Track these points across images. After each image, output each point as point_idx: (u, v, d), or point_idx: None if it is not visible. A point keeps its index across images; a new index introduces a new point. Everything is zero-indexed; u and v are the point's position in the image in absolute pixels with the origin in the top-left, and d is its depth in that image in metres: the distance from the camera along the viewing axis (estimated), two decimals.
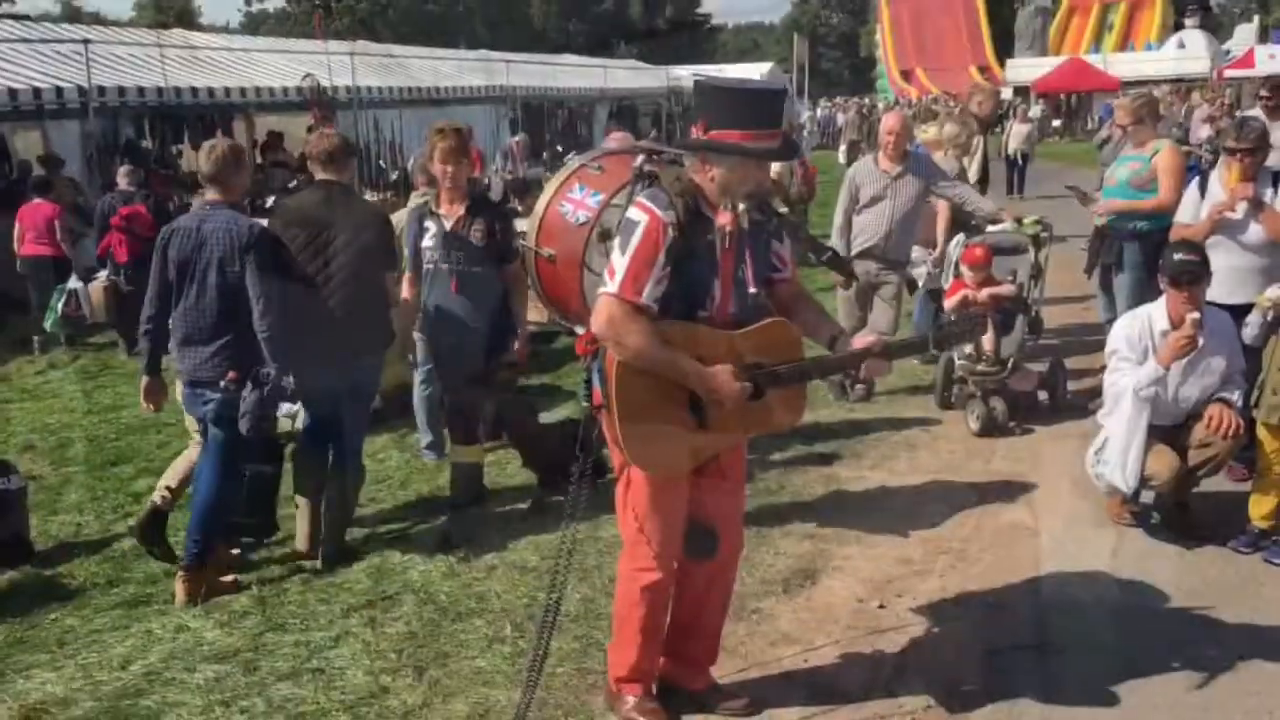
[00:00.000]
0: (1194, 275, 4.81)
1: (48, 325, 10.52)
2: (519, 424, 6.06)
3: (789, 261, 3.58)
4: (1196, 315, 4.77)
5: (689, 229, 3.25)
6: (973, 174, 8.97)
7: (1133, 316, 5.13)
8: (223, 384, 4.64)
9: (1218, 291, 5.15)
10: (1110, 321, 6.82)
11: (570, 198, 3.60)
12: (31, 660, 4.33)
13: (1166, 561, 4.86)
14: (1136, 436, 4.84)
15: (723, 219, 3.29)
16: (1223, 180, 5.71)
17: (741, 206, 3.29)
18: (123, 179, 10.67)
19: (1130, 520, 5.21)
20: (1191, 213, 5.87)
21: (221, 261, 4.63)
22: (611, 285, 3.22)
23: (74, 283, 10.39)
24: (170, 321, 4.85)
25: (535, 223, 3.68)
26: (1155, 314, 5.00)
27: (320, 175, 5.14)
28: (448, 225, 5.38)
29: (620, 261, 3.23)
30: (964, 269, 7.09)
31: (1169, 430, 5.01)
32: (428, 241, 5.43)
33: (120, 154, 14.28)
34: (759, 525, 5.25)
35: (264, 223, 5.03)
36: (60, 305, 10.33)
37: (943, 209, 7.96)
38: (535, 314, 5.91)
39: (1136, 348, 4.96)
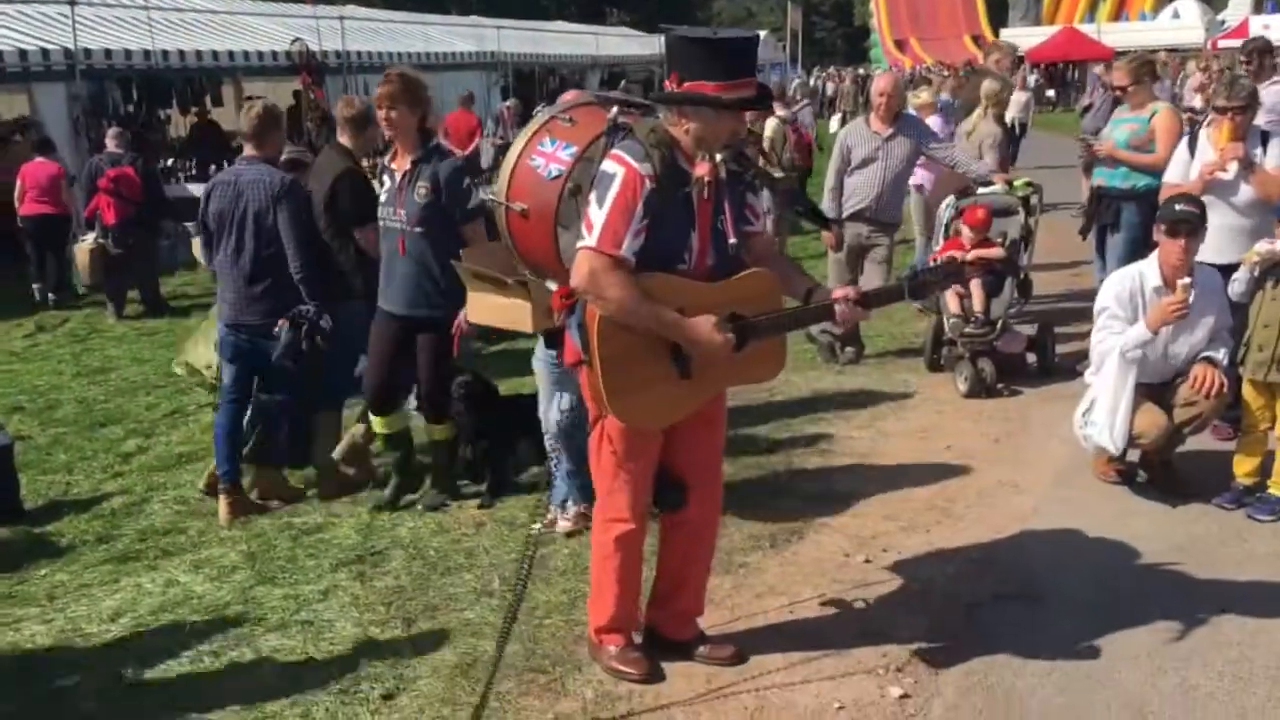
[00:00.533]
0: (1192, 227, 4.80)
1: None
2: (475, 401, 5.22)
3: (761, 214, 3.58)
4: (1188, 281, 4.76)
5: (665, 181, 3.23)
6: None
7: (1123, 274, 5.11)
8: (275, 331, 5.05)
9: (1207, 252, 5.12)
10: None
11: (541, 151, 3.50)
12: (21, 614, 4.34)
13: (1151, 518, 4.89)
14: (1124, 397, 4.84)
15: (701, 169, 3.27)
16: (1212, 139, 5.71)
17: (719, 157, 3.28)
18: (111, 141, 10.62)
19: (1116, 478, 5.25)
20: (1181, 172, 5.84)
21: (258, 213, 5.08)
22: (590, 239, 3.20)
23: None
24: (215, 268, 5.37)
25: (506, 177, 3.58)
26: (1147, 271, 4.99)
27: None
28: (397, 179, 4.96)
29: (598, 215, 3.20)
30: (964, 229, 7.09)
31: (1155, 388, 5.03)
32: (381, 197, 5.02)
33: (108, 117, 14.20)
34: (748, 483, 5.28)
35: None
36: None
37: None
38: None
39: (1126, 306, 4.95)
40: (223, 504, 5.23)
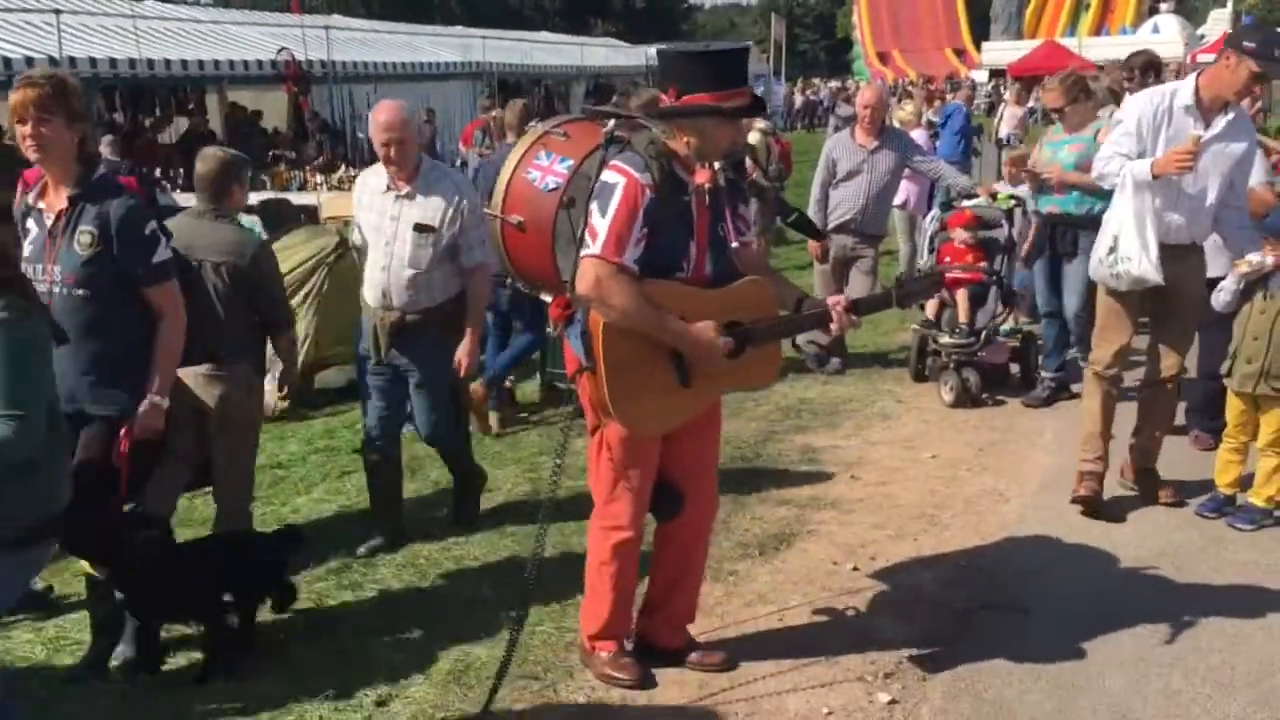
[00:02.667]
0: (1276, 74, 4.60)
1: None
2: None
3: (752, 225, 3.65)
4: (1200, 134, 4.55)
5: (665, 190, 3.30)
6: None
7: (1152, 92, 4.85)
8: None
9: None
10: (1050, 314, 6.70)
11: (538, 164, 3.57)
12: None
13: (1134, 526, 4.95)
14: (1148, 222, 4.66)
15: (701, 176, 3.35)
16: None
17: (718, 165, 3.36)
18: (105, 149, 10.95)
19: (1089, 492, 5.04)
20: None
21: None
22: (594, 247, 3.25)
23: None
24: None
25: (501, 191, 3.64)
26: (1182, 88, 4.72)
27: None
28: (48, 224, 3.60)
29: (601, 223, 3.26)
30: (954, 232, 7.15)
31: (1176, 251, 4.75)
32: (25, 250, 3.57)
33: (95, 125, 14.18)
34: (737, 492, 5.31)
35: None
36: None
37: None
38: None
39: (1149, 125, 4.68)
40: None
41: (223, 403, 4.19)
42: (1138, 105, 4.80)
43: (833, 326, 3.54)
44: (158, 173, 15.00)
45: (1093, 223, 5.90)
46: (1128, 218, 4.69)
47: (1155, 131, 4.70)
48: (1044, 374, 6.90)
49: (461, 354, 4.74)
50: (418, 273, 4.63)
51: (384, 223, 4.68)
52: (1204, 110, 4.67)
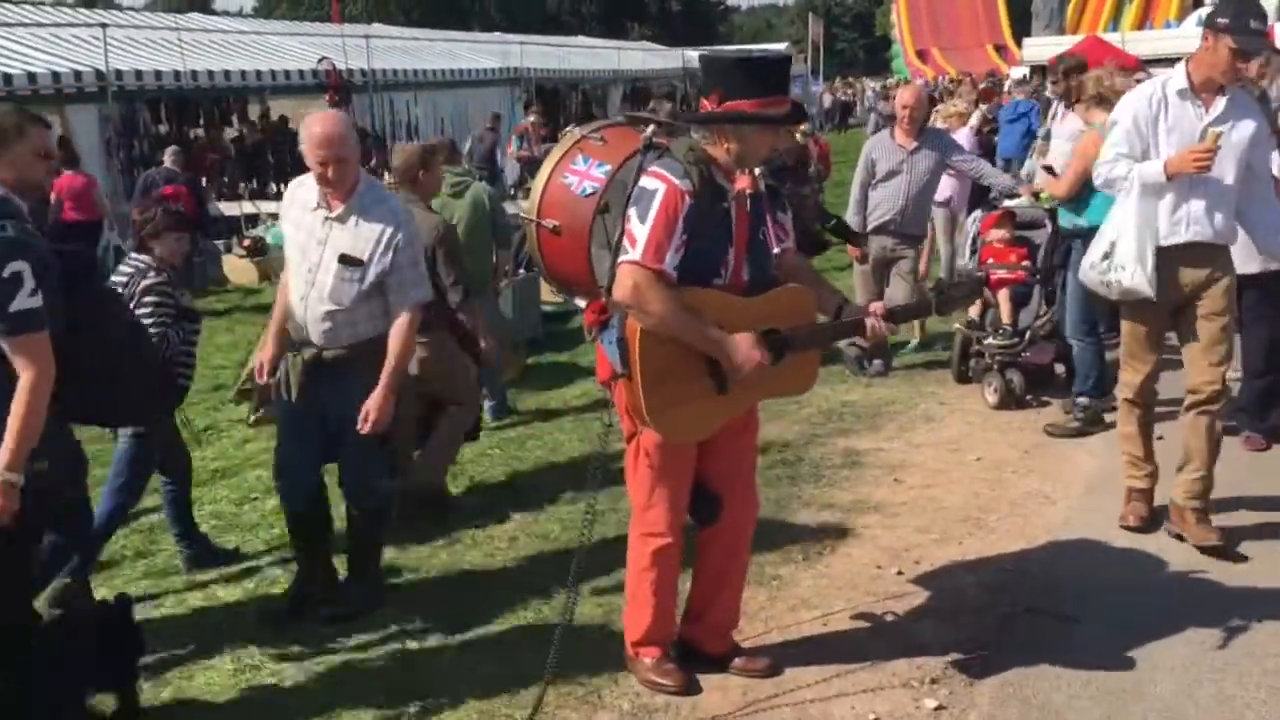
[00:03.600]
0: (1257, 47, 4.33)
1: None
2: None
3: (790, 232, 3.64)
4: (1220, 130, 4.26)
5: (704, 198, 3.30)
6: None
7: (1145, 85, 4.59)
8: None
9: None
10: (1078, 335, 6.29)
11: (574, 169, 3.58)
12: None
13: None
14: (1149, 233, 4.33)
15: (742, 182, 3.35)
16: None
17: (757, 171, 3.35)
18: (169, 158, 11.46)
19: (1137, 524, 4.79)
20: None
21: None
22: (634, 253, 3.25)
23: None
24: None
25: (537, 195, 3.65)
26: (1174, 75, 4.45)
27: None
28: None
29: (640, 230, 3.26)
30: (993, 233, 7.09)
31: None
32: None
33: (139, 137, 14.47)
34: (779, 496, 5.30)
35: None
36: None
37: None
38: None
39: (1147, 119, 4.39)
40: None
41: (424, 365, 4.97)
42: (1132, 102, 4.47)
43: (868, 334, 3.53)
44: (228, 180, 15.35)
45: (1081, 235, 5.69)
46: (1129, 223, 4.36)
47: (1153, 123, 4.40)
48: (1077, 399, 6.27)
49: (370, 406, 3.97)
50: (338, 309, 4.01)
51: (310, 245, 4.06)
52: (1198, 94, 4.38)
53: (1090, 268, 4.56)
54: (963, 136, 9.61)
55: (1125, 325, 4.69)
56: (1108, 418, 6.01)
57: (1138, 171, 4.34)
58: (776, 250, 3.49)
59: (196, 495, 5.94)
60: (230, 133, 18.98)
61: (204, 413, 7.49)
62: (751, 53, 3.57)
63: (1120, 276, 4.38)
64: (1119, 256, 4.38)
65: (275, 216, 13.39)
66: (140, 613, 4.47)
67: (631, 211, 3.30)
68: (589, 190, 3.52)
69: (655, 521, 3.56)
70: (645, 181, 3.31)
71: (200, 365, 8.65)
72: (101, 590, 4.76)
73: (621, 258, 3.28)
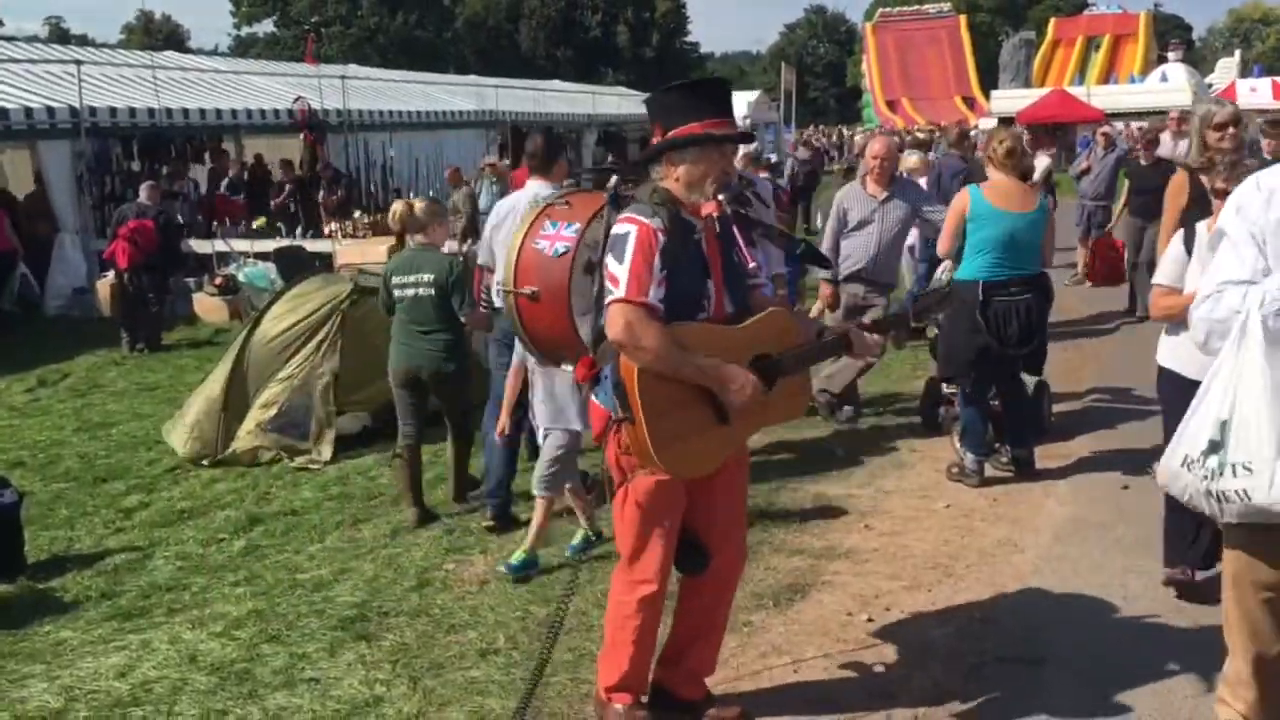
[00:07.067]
0: None
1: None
2: None
3: (763, 268, 3.71)
4: None
5: (675, 235, 3.34)
6: None
7: (1254, 177, 2.78)
8: None
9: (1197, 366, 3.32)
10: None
11: (544, 234, 3.60)
12: (26, 671, 4.35)
13: (1149, 578, 4.90)
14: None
15: (707, 208, 3.40)
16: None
17: (721, 197, 3.41)
18: (144, 193, 11.58)
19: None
20: (1175, 273, 4.48)
21: None
22: (619, 291, 3.26)
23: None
24: None
25: (511, 266, 3.66)
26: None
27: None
28: None
29: (620, 269, 3.27)
30: None
31: None
32: None
33: (110, 174, 14.42)
34: (751, 541, 5.24)
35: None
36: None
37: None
38: None
39: (1271, 223, 2.62)
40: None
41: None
42: (1244, 199, 2.72)
43: (855, 348, 3.61)
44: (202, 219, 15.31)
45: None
46: (1255, 394, 2.56)
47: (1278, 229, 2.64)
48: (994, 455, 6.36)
49: None
50: None
51: None
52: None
53: (1185, 468, 2.71)
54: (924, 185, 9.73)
55: (1233, 569, 2.86)
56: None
57: (1260, 295, 2.56)
58: (753, 265, 3.52)
59: (164, 535, 5.91)
60: (199, 170, 18.90)
61: (171, 451, 7.43)
62: (688, 79, 3.66)
63: (1246, 485, 2.57)
64: (1238, 451, 2.59)
65: (247, 255, 13.38)
66: (107, 654, 4.42)
67: (608, 258, 3.33)
68: (561, 250, 3.54)
69: (643, 569, 3.54)
70: (617, 228, 3.35)
71: (165, 405, 8.64)
72: (64, 631, 4.72)
73: (608, 299, 3.30)
